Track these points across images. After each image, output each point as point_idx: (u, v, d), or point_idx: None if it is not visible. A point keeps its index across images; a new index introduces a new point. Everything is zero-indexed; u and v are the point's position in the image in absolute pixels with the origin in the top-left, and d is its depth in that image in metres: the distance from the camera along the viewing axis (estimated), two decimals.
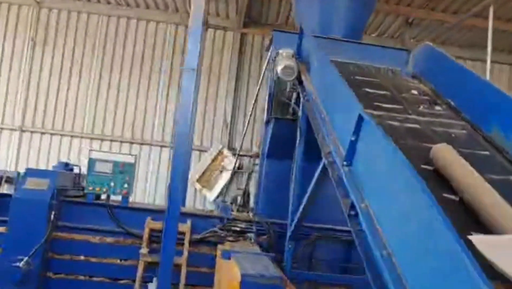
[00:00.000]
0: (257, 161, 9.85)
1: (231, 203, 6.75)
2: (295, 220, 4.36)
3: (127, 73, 10.88)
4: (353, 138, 2.95)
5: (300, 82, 5.10)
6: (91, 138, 10.76)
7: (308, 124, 4.83)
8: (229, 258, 4.57)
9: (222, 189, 9.93)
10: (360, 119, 2.89)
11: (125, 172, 5.86)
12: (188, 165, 4.42)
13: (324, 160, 3.56)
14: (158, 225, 5.80)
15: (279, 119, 5.94)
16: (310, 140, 4.80)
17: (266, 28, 10.86)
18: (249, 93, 10.92)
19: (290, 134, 5.86)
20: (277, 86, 6.11)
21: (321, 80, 4.19)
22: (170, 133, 10.72)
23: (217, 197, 9.95)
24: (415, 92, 4.94)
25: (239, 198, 7.38)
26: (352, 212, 2.79)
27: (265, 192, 6.20)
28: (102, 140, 10.73)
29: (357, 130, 2.93)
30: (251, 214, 6.28)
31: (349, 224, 2.80)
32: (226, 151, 10.05)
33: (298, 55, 5.23)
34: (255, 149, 10.51)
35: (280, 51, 5.06)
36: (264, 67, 6.63)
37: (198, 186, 9.70)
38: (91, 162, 5.83)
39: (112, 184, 5.80)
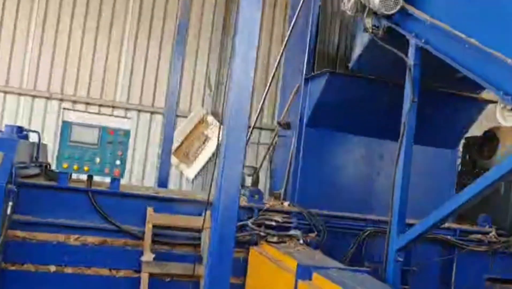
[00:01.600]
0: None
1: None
2: (430, 223, 2.86)
3: (93, 16, 8.39)
4: None
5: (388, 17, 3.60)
6: (33, 96, 8.40)
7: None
8: (310, 278, 3.04)
9: (204, 165, 8.18)
10: None
11: (116, 143, 4.07)
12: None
13: None
14: (163, 219, 4.20)
15: (335, 74, 4.41)
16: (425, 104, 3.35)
17: None
18: None
19: (349, 94, 4.43)
20: (330, 30, 4.63)
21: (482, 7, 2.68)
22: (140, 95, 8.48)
23: (198, 174, 8.19)
24: None
25: (247, 179, 5.74)
26: None
27: (304, 174, 4.70)
28: (48, 99, 8.38)
29: None
30: (285, 202, 4.75)
31: None
32: (210, 118, 8.21)
33: None
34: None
35: None
36: (298, 9, 4.97)
37: (174, 160, 7.83)
38: (66, 127, 3.97)
39: (97, 159, 4.01)
